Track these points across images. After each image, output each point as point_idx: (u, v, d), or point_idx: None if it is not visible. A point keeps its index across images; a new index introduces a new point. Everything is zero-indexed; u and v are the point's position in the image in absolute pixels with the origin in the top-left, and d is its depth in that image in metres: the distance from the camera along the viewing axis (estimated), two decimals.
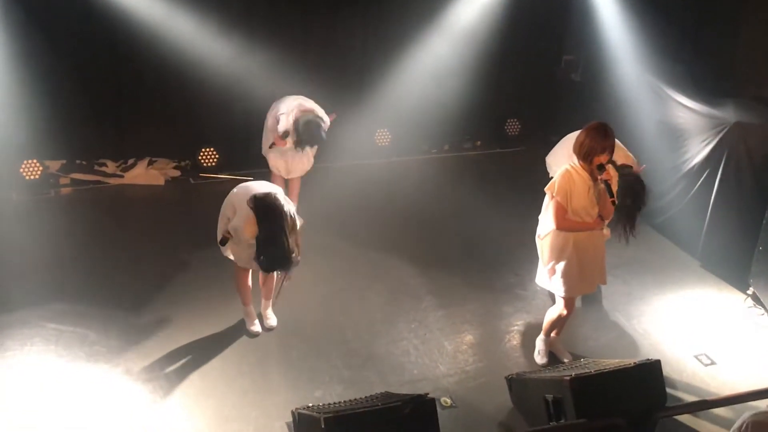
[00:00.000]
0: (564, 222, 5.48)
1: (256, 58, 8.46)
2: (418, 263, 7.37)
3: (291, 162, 7.43)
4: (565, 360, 6.01)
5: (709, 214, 7.50)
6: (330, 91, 8.28)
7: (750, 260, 7.04)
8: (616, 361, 5.30)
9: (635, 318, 6.77)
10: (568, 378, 4.74)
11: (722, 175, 7.32)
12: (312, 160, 7.60)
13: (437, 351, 6.17)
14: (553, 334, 6.11)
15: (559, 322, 5.97)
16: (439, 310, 6.69)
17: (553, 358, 6.10)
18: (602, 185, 5.37)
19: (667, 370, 5.02)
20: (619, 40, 9.04)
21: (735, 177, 7.27)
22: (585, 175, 5.43)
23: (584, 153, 5.38)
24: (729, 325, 6.75)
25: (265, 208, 5.50)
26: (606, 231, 5.94)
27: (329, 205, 8.15)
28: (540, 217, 5.77)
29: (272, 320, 6.35)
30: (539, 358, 6.09)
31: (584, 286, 5.80)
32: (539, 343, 6.13)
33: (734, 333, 6.63)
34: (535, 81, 10.42)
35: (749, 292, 7.07)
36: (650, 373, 4.94)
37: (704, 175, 7.51)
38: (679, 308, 6.96)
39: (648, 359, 4.98)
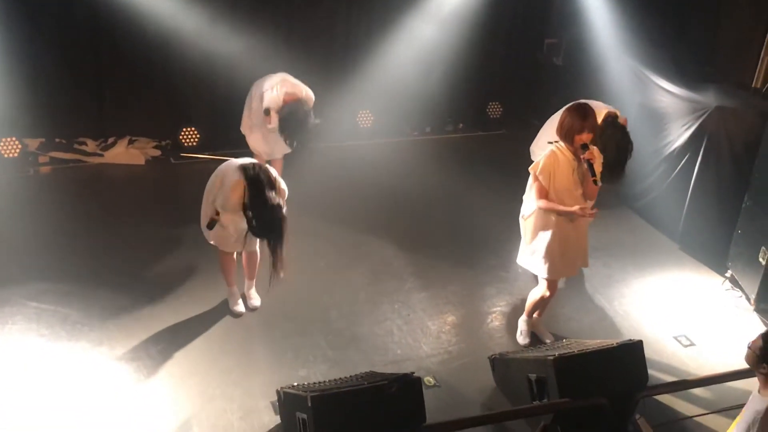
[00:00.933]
0: (544, 203, 5.52)
1: (239, 38, 8.40)
2: (401, 244, 7.39)
3: (273, 144, 7.33)
4: (547, 340, 6.07)
5: (688, 197, 7.57)
6: (313, 71, 8.22)
7: (728, 243, 7.13)
8: (598, 341, 5.34)
9: (616, 300, 6.83)
10: (551, 358, 4.77)
11: (702, 158, 7.38)
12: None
13: (420, 331, 6.19)
14: (535, 315, 6.15)
15: (541, 304, 6.01)
16: (422, 291, 6.72)
17: (535, 338, 6.15)
18: (585, 165, 5.41)
19: (647, 351, 5.05)
20: (602, 24, 9.08)
21: (715, 161, 7.34)
22: (569, 155, 5.46)
23: (565, 132, 5.42)
24: (708, 307, 6.84)
25: (254, 172, 5.43)
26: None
27: (312, 187, 8.12)
28: (524, 197, 5.80)
29: (256, 300, 6.34)
30: (522, 338, 6.13)
31: (566, 269, 5.84)
32: (521, 323, 6.18)
33: (713, 315, 6.72)
34: (517, 64, 10.46)
35: (727, 274, 7.16)
36: (632, 353, 4.98)
37: (684, 158, 7.57)
38: (658, 290, 7.04)
39: (630, 340, 5.02)
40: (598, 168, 5.47)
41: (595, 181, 5.42)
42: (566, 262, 5.76)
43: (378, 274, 6.92)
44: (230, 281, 6.23)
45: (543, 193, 5.50)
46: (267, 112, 7.01)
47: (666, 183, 7.83)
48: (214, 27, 8.42)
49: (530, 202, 5.69)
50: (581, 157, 5.40)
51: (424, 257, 7.23)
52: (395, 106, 9.76)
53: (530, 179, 5.65)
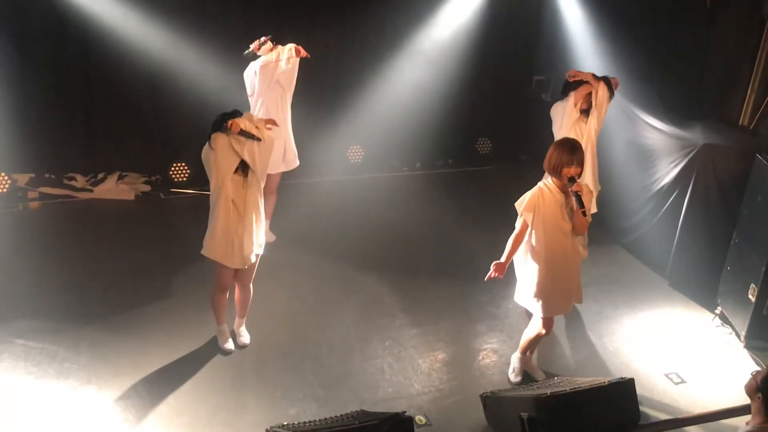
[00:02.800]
0: (519, 237, 5.56)
1: (229, 74, 8.44)
2: (391, 280, 7.38)
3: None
4: (539, 378, 6.05)
5: (677, 233, 7.60)
6: (304, 107, 8.27)
7: (718, 280, 7.15)
8: (590, 379, 5.33)
9: (606, 336, 6.82)
10: (543, 396, 4.76)
11: (691, 195, 7.43)
12: (292, 153, 7.44)
13: (411, 369, 6.16)
14: (527, 353, 6.14)
15: (536, 342, 6.00)
16: (413, 328, 6.70)
17: (526, 376, 6.13)
18: (573, 198, 5.44)
19: (639, 389, 5.06)
20: (589, 61, 9.16)
21: (703, 198, 7.39)
22: (555, 190, 5.50)
23: (553, 167, 5.47)
24: (698, 344, 6.84)
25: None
26: (583, 251, 5.99)
27: (302, 221, 8.14)
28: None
29: (245, 338, 6.30)
30: (513, 376, 6.11)
31: (561, 306, 5.83)
32: (514, 360, 6.16)
33: (703, 352, 6.71)
34: (506, 101, 10.55)
35: (717, 311, 7.17)
36: (624, 391, 4.98)
37: (673, 195, 7.62)
38: (649, 327, 7.03)
39: (622, 378, 5.02)
40: (587, 201, 5.51)
41: (583, 213, 5.45)
42: (560, 299, 5.75)
43: (369, 311, 6.89)
44: (220, 320, 6.19)
45: (523, 231, 5.55)
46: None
47: (655, 219, 7.88)
48: (204, 63, 8.47)
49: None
50: (570, 189, 5.44)
51: (414, 293, 7.22)
52: (385, 141, 9.83)
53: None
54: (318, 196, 8.94)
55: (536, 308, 5.73)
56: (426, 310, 6.96)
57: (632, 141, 8.23)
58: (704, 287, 7.37)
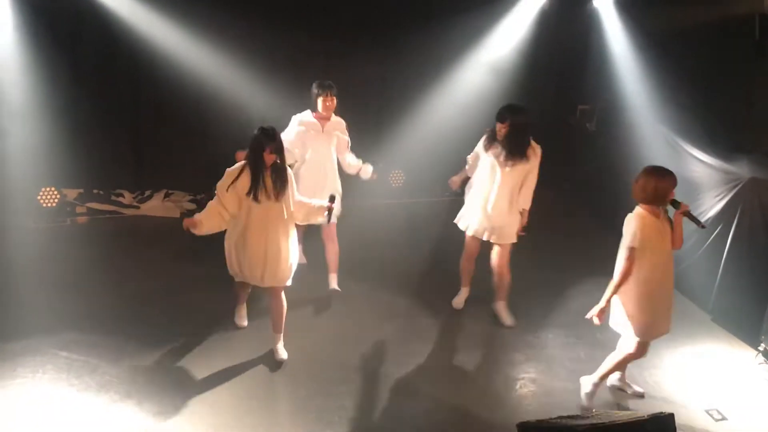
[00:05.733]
0: (628, 272, 5.64)
1: (277, 96, 8.57)
2: (431, 306, 7.38)
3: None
4: (635, 392, 6.25)
5: (721, 267, 7.49)
6: (347, 129, 8.34)
7: (762, 316, 7.02)
8: (629, 413, 5.28)
9: (647, 370, 6.73)
10: (582, 428, 4.71)
11: (736, 229, 7.33)
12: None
13: (448, 397, 6.14)
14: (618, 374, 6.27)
15: (624, 364, 6.10)
16: (451, 355, 6.68)
17: (557, 405, 6.05)
18: (680, 216, 5.68)
19: (678, 424, 4.98)
20: (635, 91, 9.13)
21: (748, 232, 7.28)
22: (650, 214, 5.65)
23: (661, 195, 5.62)
24: (740, 381, 6.71)
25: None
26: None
27: (342, 244, 8.13)
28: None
29: (282, 353, 6.36)
30: (586, 399, 6.11)
31: (660, 328, 5.90)
32: (587, 385, 6.13)
33: (745, 389, 6.59)
34: (550, 129, 10.49)
35: (761, 348, 7.03)
36: (663, 426, 4.90)
37: (718, 229, 7.52)
38: (690, 362, 6.93)
39: (661, 412, 4.95)
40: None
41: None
42: (659, 321, 5.83)
43: (405, 335, 6.90)
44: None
45: (632, 265, 5.61)
46: None
47: (699, 252, 7.77)
48: (251, 84, 8.61)
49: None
50: (679, 211, 5.67)
51: (453, 319, 7.21)
52: (427, 166, 9.84)
53: (624, 245, 5.68)
54: (359, 220, 8.97)
55: (633, 331, 5.79)
56: (464, 337, 6.95)
57: (677, 173, 8.09)
58: (748, 323, 7.24)
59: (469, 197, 7.13)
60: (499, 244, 7.09)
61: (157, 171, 8.89)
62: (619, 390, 6.34)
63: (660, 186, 5.59)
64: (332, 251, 7.36)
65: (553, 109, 10.41)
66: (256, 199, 5.82)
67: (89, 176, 8.59)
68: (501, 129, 6.56)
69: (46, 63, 7.91)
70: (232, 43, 8.51)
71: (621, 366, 6.11)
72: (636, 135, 8.91)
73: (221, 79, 8.50)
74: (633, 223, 5.63)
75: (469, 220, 7.09)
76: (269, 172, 5.86)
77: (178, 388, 5.85)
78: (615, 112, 9.47)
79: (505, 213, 6.90)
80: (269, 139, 5.76)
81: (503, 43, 9.63)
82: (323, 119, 7.02)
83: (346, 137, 7.20)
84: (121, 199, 8.74)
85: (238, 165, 5.95)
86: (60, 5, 7.94)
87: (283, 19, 8.76)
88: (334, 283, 7.35)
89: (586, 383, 6.15)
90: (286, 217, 6.01)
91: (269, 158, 5.79)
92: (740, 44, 8.56)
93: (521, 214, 7.00)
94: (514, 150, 6.68)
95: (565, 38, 10.05)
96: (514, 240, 7.09)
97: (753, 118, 8.44)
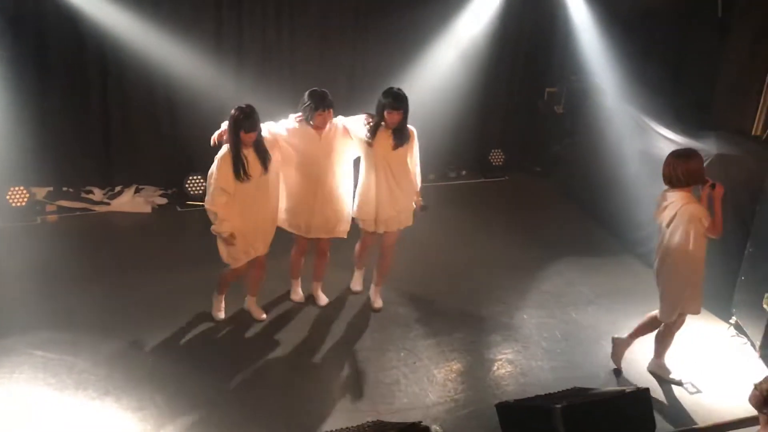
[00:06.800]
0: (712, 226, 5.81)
1: (246, 87, 8.53)
2: (405, 292, 7.41)
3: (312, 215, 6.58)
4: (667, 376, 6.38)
5: None
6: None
7: (732, 290, 7.15)
8: (606, 389, 5.35)
9: None
10: (559, 406, 4.78)
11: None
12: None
13: (426, 379, 6.19)
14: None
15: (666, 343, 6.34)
16: (428, 339, 6.73)
17: (540, 386, 6.13)
18: (719, 200, 5.73)
19: (654, 399, 5.07)
20: (602, 73, 9.21)
21: None
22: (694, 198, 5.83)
23: (699, 176, 5.79)
24: (713, 354, 6.83)
25: None
26: None
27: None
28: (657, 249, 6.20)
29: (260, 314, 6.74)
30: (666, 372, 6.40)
31: (698, 305, 6.12)
32: (659, 369, 6.41)
33: (718, 362, 6.71)
34: (519, 112, 10.59)
35: (732, 321, 7.16)
36: (639, 401, 5.00)
37: None
38: None
39: (637, 387, 5.05)
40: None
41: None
42: (699, 298, 6.08)
43: (383, 322, 6.93)
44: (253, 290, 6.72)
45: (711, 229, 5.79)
46: None
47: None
48: (220, 77, 8.56)
49: (675, 250, 5.94)
50: (714, 192, 5.72)
51: (429, 304, 7.25)
52: None
53: (683, 226, 5.83)
54: None
55: (680, 308, 6.05)
56: (441, 321, 7.00)
57: (645, 151, 8.24)
58: (719, 297, 7.34)
59: (359, 190, 6.71)
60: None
61: (126, 166, 8.81)
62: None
63: (693, 167, 5.73)
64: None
65: (520, 93, 10.48)
66: (242, 177, 5.95)
67: (58, 174, 8.50)
68: (396, 116, 6.40)
69: (11, 60, 7.80)
70: (199, 36, 8.46)
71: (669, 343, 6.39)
72: (604, 116, 8.99)
73: (190, 73, 8.43)
74: (691, 206, 5.77)
75: (368, 213, 6.71)
76: (252, 149, 6.00)
77: (157, 383, 5.83)
78: (583, 93, 9.56)
79: (401, 198, 6.69)
80: (245, 117, 5.87)
81: (470, 27, 9.65)
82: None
83: None
84: (91, 195, 8.66)
85: (224, 149, 6.04)
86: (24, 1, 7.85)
87: (251, 9, 8.71)
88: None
89: (656, 368, 6.43)
90: (275, 188, 6.27)
91: (248, 137, 5.90)
92: (704, 23, 8.68)
93: (416, 194, 6.82)
94: (405, 134, 6.56)
95: (531, 21, 10.10)
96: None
97: (718, 95, 8.56)
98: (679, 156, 5.82)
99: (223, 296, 6.69)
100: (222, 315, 6.71)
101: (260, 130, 6.06)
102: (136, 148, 8.79)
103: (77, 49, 8.22)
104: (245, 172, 5.96)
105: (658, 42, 9.24)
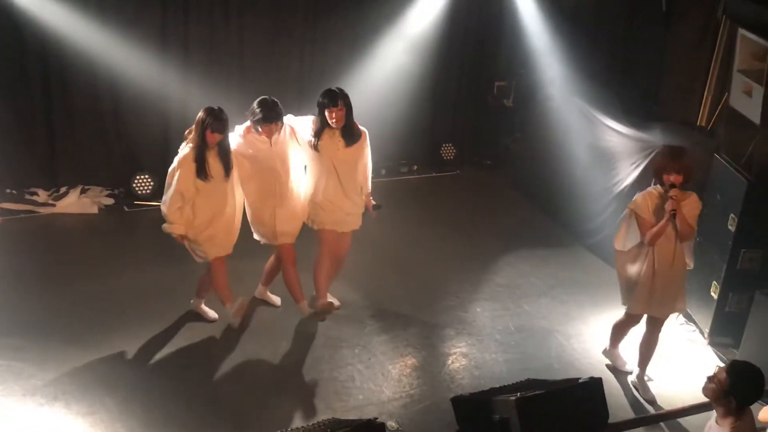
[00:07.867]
0: (648, 236, 5.72)
1: (192, 84, 8.41)
2: (358, 288, 7.39)
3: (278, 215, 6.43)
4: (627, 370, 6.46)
5: None
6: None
7: None
8: (559, 380, 5.39)
9: (573, 337, 6.90)
10: (513, 398, 4.80)
11: None
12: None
13: (381, 375, 6.18)
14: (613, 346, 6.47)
15: (620, 334, 6.36)
16: (382, 334, 6.71)
17: (491, 378, 6.16)
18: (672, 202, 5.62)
19: (606, 388, 5.11)
20: (550, 66, 9.29)
21: None
22: (659, 195, 5.77)
23: (654, 170, 5.86)
24: (663, 343, 6.92)
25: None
26: (689, 262, 6.02)
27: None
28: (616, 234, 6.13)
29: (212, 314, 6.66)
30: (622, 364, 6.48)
31: (651, 307, 6.00)
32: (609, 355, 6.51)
33: (668, 350, 6.81)
34: (469, 106, 10.63)
35: None
36: (592, 391, 5.02)
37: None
38: None
39: (590, 378, 5.07)
40: (692, 212, 5.74)
41: (673, 215, 5.61)
42: (654, 300, 5.92)
43: (337, 318, 6.89)
44: (226, 298, 6.47)
45: (645, 228, 5.73)
46: None
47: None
48: (165, 73, 8.44)
49: (625, 239, 5.91)
50: (669, 194, 5.63)
51: (382, 299, 7.24)
52: None
53: (626, 217, 5.90)
54: None
55: (625, 300, 6.06)
56: (394, 316, 6.99)
57: (593, 144, 8.34)
58: None
59: (310, 195, 6.56)
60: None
61: (71, 166, 8.61)
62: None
63: (657, 160, 5.84)
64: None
65: (470, 87, 10.51)
66: (203, 177, 5.91)
67: (1, 175, 8.28)
68: (337, 113, 6.22)
69: None
70: (144, 34, 8.31)
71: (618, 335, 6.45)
72: (553, 109, 9.07)
73: (135, 70, 8.29)
74: (637, 198, 5.84)
75: (326, 217, 6.61)
76: (215, 151, 5.96)
77: (107, 388, 5.70)
78: (532, 87, 9.62)
79: (354, 199, 6.61)
80: (213, 118, 5.84)
81: (419, 23, 9.64)
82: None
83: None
84: (35, 197, 8.45)
85: (186, 149, 5.96)
86: None
87: (198, 5, 8.58)
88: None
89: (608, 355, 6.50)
90: (235, 197, 6.23)
91: (212, 138, 5.87)
92: (650, 16, 8.80)
93: (366, 195, 6.72)
94: (354, 132, 6.47)
95: (479, 16, 10.13)
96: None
97: (664, 86, 8.70)
98: (663, 147, 6.00)
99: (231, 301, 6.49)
100: (215, 314, 6.69)
101: (227, 136, 6.02)
102: (81, 148, 8.60)
103: (18, 47, 8.02)
104: (206, 173, 5.91)
105: (605, 35, 9.36)
